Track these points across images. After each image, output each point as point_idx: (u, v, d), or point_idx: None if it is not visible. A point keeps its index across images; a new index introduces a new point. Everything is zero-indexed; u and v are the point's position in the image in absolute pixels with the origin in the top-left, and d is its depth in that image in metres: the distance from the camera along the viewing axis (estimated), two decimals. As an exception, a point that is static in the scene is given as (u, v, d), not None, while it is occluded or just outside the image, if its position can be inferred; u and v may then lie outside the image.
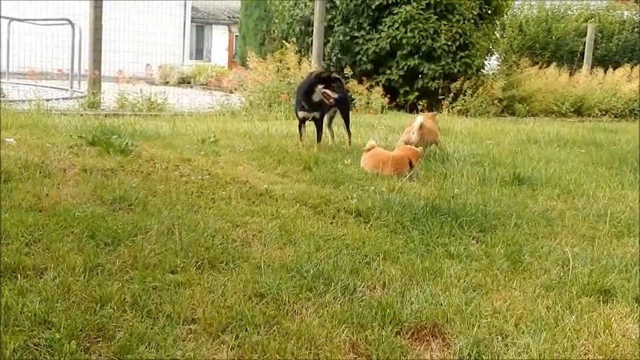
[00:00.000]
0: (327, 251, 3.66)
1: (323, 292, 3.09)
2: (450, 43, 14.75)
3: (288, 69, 12.96)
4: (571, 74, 17.61)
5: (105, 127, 6.98)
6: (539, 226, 4.67)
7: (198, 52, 33.43)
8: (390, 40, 14.63)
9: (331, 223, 4.34)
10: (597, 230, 4.72)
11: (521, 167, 6.90)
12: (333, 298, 3.04)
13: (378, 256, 3.67)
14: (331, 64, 15.06)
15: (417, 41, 14.58)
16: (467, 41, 15.03)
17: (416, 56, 14.73)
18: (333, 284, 3.16)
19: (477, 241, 4.21)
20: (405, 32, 14.56)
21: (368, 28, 14.94)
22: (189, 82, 20.48)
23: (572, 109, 16.63)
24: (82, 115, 9.33)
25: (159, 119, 10.05)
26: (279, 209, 4.52)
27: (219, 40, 30.80)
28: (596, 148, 9.43)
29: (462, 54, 14.95)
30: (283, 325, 2.76)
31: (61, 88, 15.84)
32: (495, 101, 15.17)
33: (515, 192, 5.77)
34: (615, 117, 17.03)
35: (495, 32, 17.03)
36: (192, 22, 31.83)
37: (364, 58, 14.90)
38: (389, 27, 14.68)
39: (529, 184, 6.07)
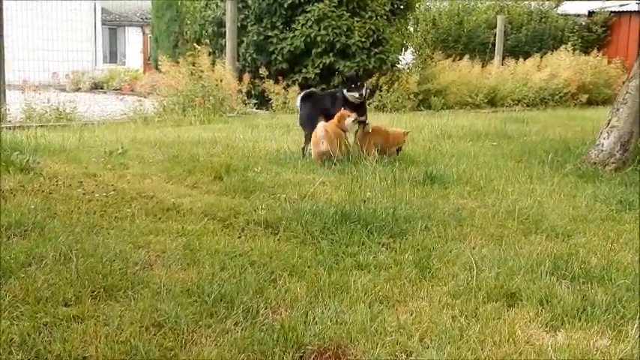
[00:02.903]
0: (232, 270, 3.56)
1: (224, 317, 2.98)
2: (363, 39, 14.80)
3: (202, 71, 12.74)
4: (483, 66, 17.94)
5: (5, 143, 6.68)
6: (449, 227, 4.68)
7: (112, 56, 32.62)
8: (304, 38, 14.57)
9: (239, 238, 4.23)
10: (506, 228, 4.77)
11: (434, 165, 6.94)
12: (235, 324, 2.93)
13: (285, 271, 3.58)
14: (246, 64, 14.91)
15: (332, 38, 14.57)
16: (380, 37, 15.12)
17: (331, 54, 14.71)
18: (235, 308, 3.05)
19: (387, 248, 4.17)
20: (319, 30, 14.53)
21: (281, 27, 14.84)
22: (102, 88, 19.91)
23: (485, 100, 16.95)
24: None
25: (67, 130, 9.70)
26: (186, 225, 4.39)
27: (133, 42, 30.10)
28: (507, 140, 9.61)
29: (376, 50, 15.03)
30: (180, 359, 2.64)
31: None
32: (411, 95, 15.32)
33: (427, 192, 5.78)
34: (527, 106, 17.43)
35: (408, 27, 17.18)
36: (103, 24, 31.02)
37: (279, 58, 14.80)
38: (302, 25, 14.62)
39: (441, 183, 6.10)
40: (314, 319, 2.99)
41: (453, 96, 16.54)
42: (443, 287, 3.51)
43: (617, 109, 7.40)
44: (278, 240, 4.24)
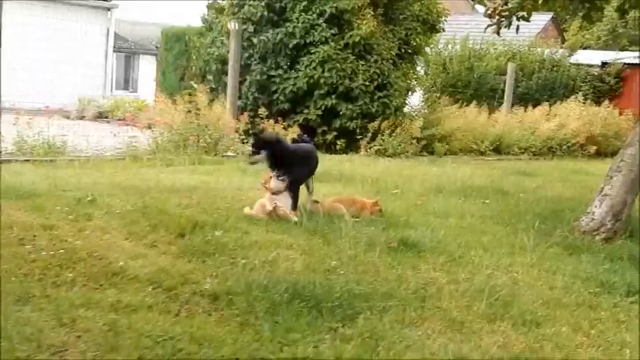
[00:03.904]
0: (151, 361, 3.28)
1: None
2: (367, 83, 14.65)
3: (199, 109, 12.57)
4: (491, 112, 17.70)
5: (-31, 187, 6.48)
6: (410, 308, 4.38)
7: (125, 83, 32.65)
8: (307, 79, 14.44)
9: (176, 315, 3.95)
10: (471, 312, 4.45)
11: (414, 229, 6.64)
12: None
13: (211, 364, 3.30)
14: (248, 102, 14.75)
15: (335, 81, 14.43)
16: (385, 81, 14.95)
17: (333, 96, 14.57)
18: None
19: (335, 333, 3.87)
20: (323, 72, 14.40)
21: (285, 67, 14.72)
22: (106, 117, 19.82)
23: (491, 148, 16.69)
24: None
25: (51, 166, 9.53)
26: (124, 297, 4.11)
27: (146, 71, 30.12)
28: (502, 197, 9.33)
29: (380, 94, 14.85)
30: None
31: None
32: (414, 141, 15.06)
33: (399, 261, 5.49)
34: (534, 155, 17.17)
35: (417, 70, 16.98)
36: (118, 51, 31.13)
37: (281, 97, 14.67)
38: (306, 66, 14.49)
39: (416, 251, 5.81)
40: None
41: (458, 142, 16.31)
42: (379, 392, 3.21)
43: (611, 177, 7.10)
44: (219, 319, 3.96)
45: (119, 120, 19.02)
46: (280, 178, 6.64)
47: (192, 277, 4.60)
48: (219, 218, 6.33)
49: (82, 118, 20.28)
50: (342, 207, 6.99)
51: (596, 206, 7.07)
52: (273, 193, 6.58)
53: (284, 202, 6.59)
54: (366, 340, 3.80)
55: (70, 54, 23.93)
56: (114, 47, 28.34)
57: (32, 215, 5.92)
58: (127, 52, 33.03)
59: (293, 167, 6.76)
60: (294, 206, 6.71)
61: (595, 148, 17.85)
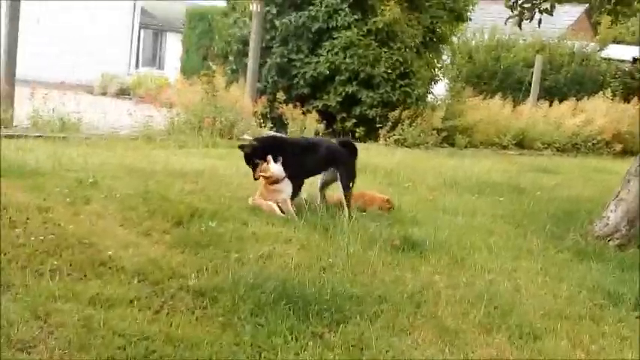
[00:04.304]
0: (120, 363, 3.15)
1: None
2: (389, 71, 14.39)
3: (217, 91, 12.42)
4: (515, 105, 17.34)
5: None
6: (403, 314, 4.22)
7: (153, 60, 32.64)
8: (328, 64, 14.22)
9: (157, 312, 3.82)
10: (467, 320, 4.29)
11: (420, 226, 6.47)
12: None
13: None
14: (267, 85, 14.57)
15: (357, 67, 14.20)
16: (407, 70, 14.67)
17: (354, 82, 14.34)
18: None
19: (319, 340, 3.71)
20: (345, 58, 14.17)
21: (307, 51, 14.50)
22: (128, 94, 19.77)
23: (513, 142, 16.36)
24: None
25: (64, 144, 9.47)
26: (105, 290, 3.99)
27: (172, 48, 30.05)
28: (517, 195, 9.09)
29: (402, 82, 14.59)
30: None
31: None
32: (434, 131, 14.80)
33: (399, 261, 5.32)
34: (557, 151, 16.82)
35: (440, 61, 16.68)
36: (146, 28, 31.11)
37: (301, 82, 14.46)
38: (328, 51, 14.27)
39: (418, 250, 5.63)
40: None
41: (480, 135, 16.01)
42: (356, 407, 3.05)
43: (628, 181, 6.85)
44: (201, 317, 3.82)
45: (140, 97, 19.00)
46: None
47: (181, 271, 4.47)
48: (221, 207, 6.19)
49: (104, 94, 20.27)
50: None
51: (611, 211, 6.83)
52: (272, 183, 6.37)
53: (285, 189, 6.38)
54: (352, 348, 3.64)
55: (96, 29, 23.85)
56: (141, 24, 28.32)
57: (30, 196, 5.81)
58: (155, 28, 33.01)
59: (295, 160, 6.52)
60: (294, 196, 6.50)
61: (621, 146, 17.45)
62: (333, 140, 7.82)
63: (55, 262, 4.31)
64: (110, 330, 3.45)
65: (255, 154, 6.42)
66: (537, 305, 4.69)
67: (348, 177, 6.69)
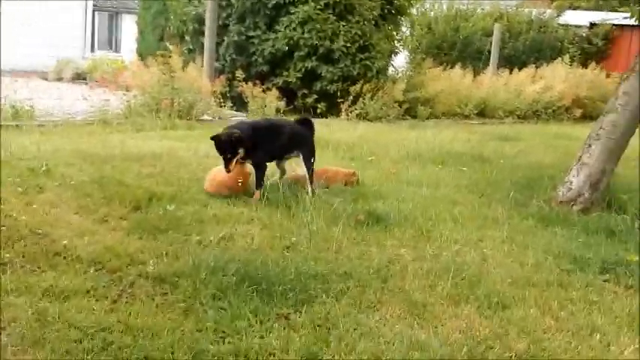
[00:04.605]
0: (77, 357, 3.00)
1: None
2: (349, 44, 14.21)
3: (173, 72, 12.15)
4: (476, 75, 17.32)
5: None
6: (369, 290, 4.13)
7: (109, 43, 31.90)
8: (287, 40, 13.98)
9: (115, 301, 3.68)
10: (434, 293, 4.21)
11: (385, 199, 6.39)
12: None
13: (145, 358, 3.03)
14: (225, 64, 14.33)
15: (315, 42, 13.98)
16: (367, 43, 14.51)
17: (314, 58, 14.13)
18: None
19: (285, 321, 3.61)
20: (303, 33, 13.94)
21: (264, 27, 14.23)
22: (84, 78, 19.32)
23: (475, 111, 16.36)
24: None
25: (18, 132, 9.18)
26: (60, 281, 3.83)
27: (128, 30, 29.41)
28: (481, 164, 9.05)
29: (362, 56, 14.42)
30: None
31: None
32: (396, 104, 14.72)
33: (364, 236, 5.24)
34: (519, 118, 16.87)
35: (399, 33, 16.56)
36: (100, 10, 30.38)
37: (260, 59, 14.23)
38: (286, 27, 14.02)
39: (383, 225, 5.55)
40: None
41: (442, 105, 15.96)
42: (324, 389, 2.96)
43: (589, 145, 6.83)
44: (161, 304, 3.69)
45: (96, 82, 18.58)
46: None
47: (139, 257, 4.33)
48: (180, 190, 6.05)
49: (59, 79, 19.79)
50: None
51: (573, 175, 6.82)
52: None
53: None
54: (318, 328, 3.54)
55: (49, 14, 23.24)
56: (94, 6, 27.67)
57: (-20, 188, 5.61)
58: (110, 11, 32.28)
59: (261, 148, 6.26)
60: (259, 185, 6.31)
61: (581, 111, 17.55)
62: (291, 119, 7.60)
63: (7, 255, 4.14)
64: (66, 322, 3.31)
65: (230, 146, 5.93)
66: (505, 274, 4.64)
67: (311, 155, 6.56)
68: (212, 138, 6.00)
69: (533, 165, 9.20)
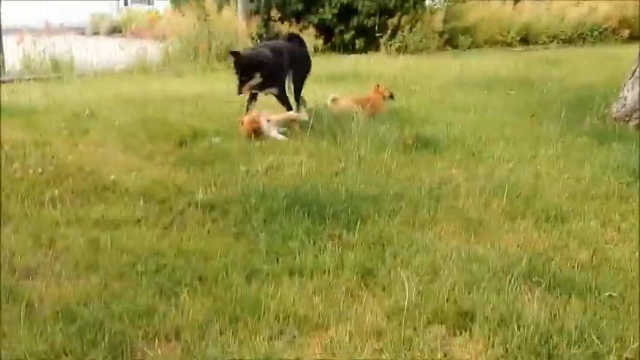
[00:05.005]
0: (130, 280, 2.98)
1: (80, 355, 2.41)
2: (384, -24, 13.88)
3: (208, 15, 12.02)
4: (516, 1, 16.79)
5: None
6: (422, 209, 4.02)
7: (143, -4, 31.77)
8: (320, -25, 13.72)
9: (166, 228, 3.65)
10: (489, 210, 4.09)
11: (431, 124, 6.24)
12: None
13: (195, 279, 3.00)
14: (260, 5, 14.12)
15: (350, -24, 13.69)
16: (402, -27, 14.15)
17: (349, -9, 13.85)
18: (100, 340, 2.47)
19: (338, 241, 3.53)
20: (336, -33, 13.65)
21: (297, -36, 13.97)
22: (120, 31, 19.29)
23: (518, 38, 15.97)
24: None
25: (58, 83, 9.21)
26: (111, 212, 3.82)
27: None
28: (528, 88, 8.81)
29: (398, -14, 14.08)
30: None
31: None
32: (436, 35, 14.40)
33: (413, 159, 5.12)
34: (563, 43, 16.39)
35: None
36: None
37: (294, -3, 14.00)
38: (319, -38, 13.75)
39: (432, 147, 5.41)
40: (193, 359, 2.41)
41: (483, 34, 15.61)
42: (382, 302, 2.88)
43: (644, 57, 6.54)
44: (212, 230, 3.65)
45: (132, 33, 18.51)
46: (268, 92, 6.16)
47: (188, 188, 4.29)
48: (224, 125, 5.99)
49: (96, 33, 19.82)
50: (355, 106, 6.55)
51: (628, 90, 6.55)
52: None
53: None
54: (372, 245, 3.46)
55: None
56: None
57: (26, 132, 5.63)
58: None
59: (281, 75, 6.22)
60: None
61: (628, 31, 16.92)
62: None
63: (56, 191, 4.14)
64: (118, 249, 3.29)
65: (245, 68, 5.81)
66: (561, 189, 4.47)
67: (308, 70, 6.66)
68: (232, 53, 5.95)
69: (583, 86, 8.89)
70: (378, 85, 6.98)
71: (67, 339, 2.47)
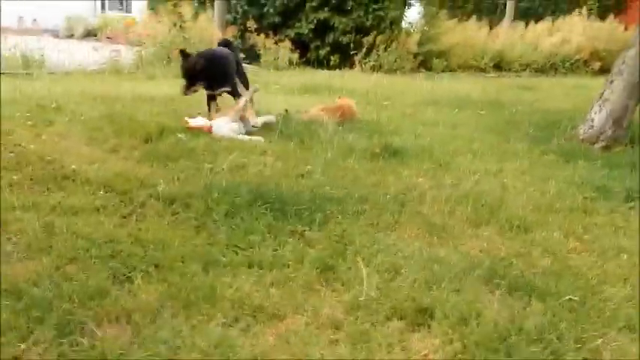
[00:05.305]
0: (84, 263, 2.90)
1: (28, 332, 2.33)
2: (362, -6, 13.95)
3: (184, 22, 11.96)
4: (491, 28, 17.01)
5: None
6: (386, 213, 3.99)
7: (120, 3, 31.63)
8: (299, -10, 13.75)
9: (125, 217, 3.57)
10: (453, 217, 4.07)
11: (402, 135, 6.24)
12: (34, 343, 2.28)
13: (150, 266, 2.92)
14: (237, 16, 14.12)
15: (327, -8, 13.73)
16: (380, -8, 14.23)
17: (326, 8, 13.90)
18: (48, 319, 2.39)
19: (299, 237, 3.48)
20: (315, -18, 13.69)
21: (276, -23, 13.99)
22: (95, 35, 19.16)
23: (491, 64, 16.11)
24: None
25: (29, 79, 9.06)
26: (70, 200, 3.73)
27: (140, -12, 29.12)
28: (498, 109, 8.85)
29: (375, 6, 14.15)
30: None
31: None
32: (410, 56, 14.49)
33: (379, 167, 5.09)
34: (536, 71, 16.58)
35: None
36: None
37: (272, 10, 14.03)
38: (297, -24, 13.78)
39: (400, 157, 5.40)
40: (143, 340, 2.34)
41: (457, 58, 15.73)
42: (341, 296, 2.84)
43: (612, 81, 6.63)
44: (172, 222, 3.58)
45: (107, 38, 18.38)
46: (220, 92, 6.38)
47: (150, 181, 4.21)
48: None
49: (70, 36, 19.63)
50: (325, 115, 6.53)
51: (595, 112, 6.62)
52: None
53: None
54: (334, 243, 3.42)
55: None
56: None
57: (-12, 122, 5.50)
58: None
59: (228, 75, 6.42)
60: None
61: (599, 64, 17.17)
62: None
63: (15, 177, 4.04)
64: (73, 234, 3.20)
65: (194, 74, 6.11)
66: (526, 201, 4.48)
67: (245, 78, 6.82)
68: (182, 53, 6.20)
69: (552, 110, 8.99)
70: (339, 97, 7.03)
71: (12, 315, 2.38)
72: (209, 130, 5.69)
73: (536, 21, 17.83)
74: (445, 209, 4.19)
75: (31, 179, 4.07)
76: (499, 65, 16.36)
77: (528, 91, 11.70)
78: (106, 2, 28.55)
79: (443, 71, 15.02)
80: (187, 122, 5.78)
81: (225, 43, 6.97)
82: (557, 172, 5.31)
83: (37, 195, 3.81)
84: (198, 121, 5.83)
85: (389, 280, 2.99)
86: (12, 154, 4.48)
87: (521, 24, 17.45)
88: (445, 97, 9.59)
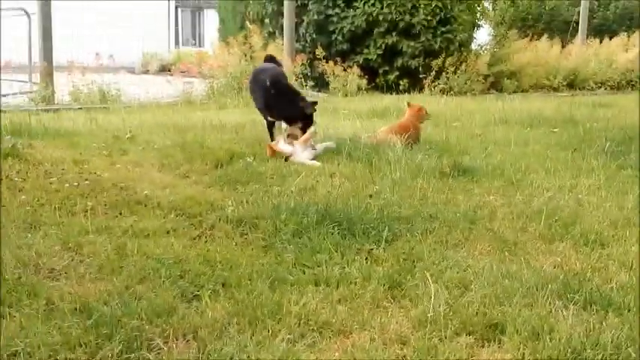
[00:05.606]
0: (153, 283, 2.95)
1: (95, 348, 2.37)
2: (429, 17, 13.90)
3: (253, 52, 12.19)
4: (564, 46, 16.66)
5: (6, 126, 6.31)
6: (456, 230, 3.92)
7: (193, 39, 32.59)
8: (365, 17, 13.81)
9: (194, 239, 3.62)
10: (526, 233, 3.97)
11: (472, 154, 6.16)
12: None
13: (218, 285, 2.95)
14: (306, 44, 14.27)
15: (395, 17, 13.75)
16: (448, 15, 14.15)
17: (394, 33, 13.89)
18: (115, 336, 2.43)
19: (367, 255, 3.46)
20: (382, 8, 13.74)
21: (343, 5, 14.09)
22: (169, 70, 19.69)
23: (564, 83, 15.75)
24: (23, 111, 8.67)
25: (105, 112, 9.37)
26: (141, 223, 3.81)
27: (211, 24, 29.93)
28: (572, 126, 8.62)
29: (443, 29, 14.08)
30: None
31: (22, 81, 15.05)
32: (480, 78, 14.32)
33: (450, 186, 5.02)
34: (611, 89, 16.13)
35: (480, 5, 16.11)
36: (183, 7, 31.14)
37: (340, 37, 14.10)
38: (364, 3, 13.86)
39: (470, 176, 5.32)
40: (209, 356, 2.35)
41: (528, 78, 15.42)
42: (409, 312, 2.79)
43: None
44: (241, 243, 3.61)
45: (181, 72, 18.87)
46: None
47: (219, 204, 4.27)
48: (261, 150, 5.98)
49: (146, 72, 20.25)
50: (395, 138, 6.50)
51: (675, 125, 6.37)
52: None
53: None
54: (402, 261, 3.38)
55: (134, 9, 23.80)
56: (177, 3, 28.25)
57: (65, 152, 5.70)
58: (193, 7, 32.94)
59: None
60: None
61: (679, 79, 16.62)
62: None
63: (89, 203, 4.15)
64: (144, 255, 3.27)
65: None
66: (602, 216, 4.33)
67: None
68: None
69: (629, 125, 8.70)
70: (408, 103, 6.97)
71: (82, 332, 2.44)
72: (290, 155, 5.71)
73: (611, 37, 17.39)
74: (517, 226, 4.10)
75: (105, 205, 4.18)
76: (572, 84, 15.98)
77: (604, 108, 11.37)
78: (180, 38, 29.52)
79: (514, 92, 14.76)
80: (273, 147, 5.83)
81: (270, 59, 7.05)
82: (635, 187, 5.12)
83: (110, 219, 3.91)
84: (285, 147, 5.83)
85: (458, 296, 2.93)
86: (87, 182, 4.61)
87: (594, 41, 17.05)
88: (516, 117, 9.42)
